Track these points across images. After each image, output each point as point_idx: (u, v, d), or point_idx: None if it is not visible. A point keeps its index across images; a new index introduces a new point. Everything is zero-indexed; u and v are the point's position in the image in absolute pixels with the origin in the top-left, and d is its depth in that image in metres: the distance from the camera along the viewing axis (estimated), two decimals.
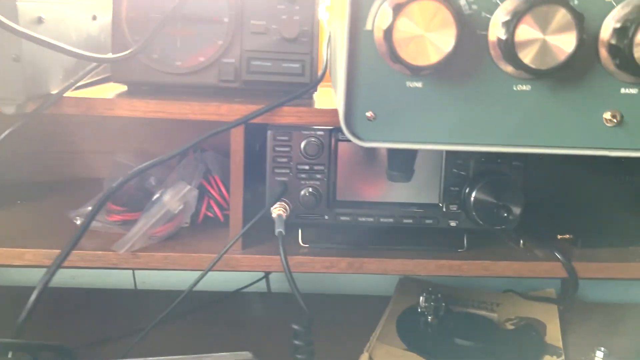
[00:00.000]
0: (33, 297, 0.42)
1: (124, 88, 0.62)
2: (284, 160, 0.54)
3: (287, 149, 0.54)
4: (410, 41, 0.37)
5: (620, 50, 0.37)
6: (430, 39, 0.37)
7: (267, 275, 0.94)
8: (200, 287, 0.97)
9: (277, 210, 0.52)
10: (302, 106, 0.56)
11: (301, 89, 0.57)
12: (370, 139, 0.42)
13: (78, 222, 0.64)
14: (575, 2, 0.39)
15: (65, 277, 0.96)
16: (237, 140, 0.54)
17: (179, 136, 0.81)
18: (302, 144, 0.54)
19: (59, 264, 0.45)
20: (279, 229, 0.49)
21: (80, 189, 0.73)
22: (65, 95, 0.54)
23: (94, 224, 0.64)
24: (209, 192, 0.66)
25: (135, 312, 0.74)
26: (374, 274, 0.60)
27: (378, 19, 0.39)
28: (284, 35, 0.57)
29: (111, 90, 0.60)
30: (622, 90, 0.40)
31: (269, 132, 0.54)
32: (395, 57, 0.37)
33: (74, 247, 0.48)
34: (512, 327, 0.79)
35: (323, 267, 0.59)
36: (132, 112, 0.55)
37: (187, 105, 0.55)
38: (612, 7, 0.39)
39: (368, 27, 0.40)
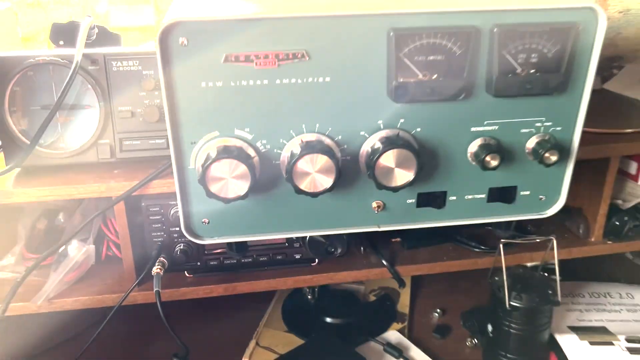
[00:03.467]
0: None
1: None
2: (158, 225, 0.70)
3: (159, 216, 0.70)
4: (220, 183, 0.53)
5: (370, 166, 0.54)
6: (231, 182, 0.53)
7: None
8: None
9: (155, 269, 0.68)
10: (170, 175, 0.71)
11: (167, 161, 0.71)
12: (208, 237, 0.58)
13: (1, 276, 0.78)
14: (339, 137, 0.55)
15: None
16: (120, 220, 0.69)
17: None
18: (172, 211, 0.69)
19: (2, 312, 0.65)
20: (156, 288, 0.66)
21: None
22: None
23: (13, 274, 0.79)
24: (107, 236, 0.81)
25: None
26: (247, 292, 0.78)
27: (198, 160, 0.54)
28: (147, 119, 0.70)
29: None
30: (379, 192, 0.58)
31: (143, 205, 0.69)
32: (209, 192, 0.53)
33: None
34: (374, 298, 1.00)
35: (204, 293, 0.77)
36: (27, 197, 0.68)
37: (73, 188, 0.69)
38: (366, 138, 0.55)
39: (191, 165, 0.55)
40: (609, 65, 0.84)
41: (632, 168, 0.91)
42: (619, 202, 0.88)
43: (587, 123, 0.80)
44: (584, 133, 0.79)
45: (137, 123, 0.71)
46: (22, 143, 0.70)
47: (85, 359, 0.78)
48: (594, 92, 0.91)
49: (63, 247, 0.78)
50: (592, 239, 0.85)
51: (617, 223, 0.83)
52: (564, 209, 0.88)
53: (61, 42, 0.81)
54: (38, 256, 0.80)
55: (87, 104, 0.71)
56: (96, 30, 0.79)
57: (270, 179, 0.56)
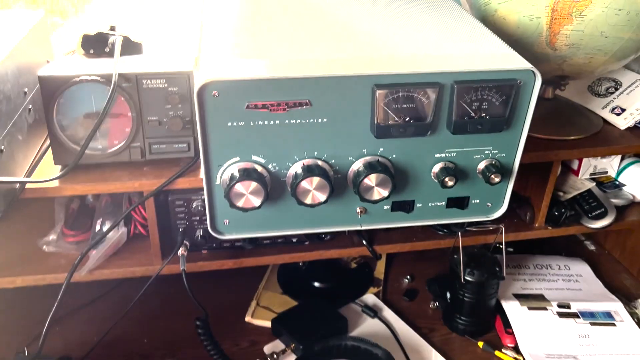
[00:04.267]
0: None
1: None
2: (182, 215, 0.87)
3: (183, 208, 0.86)
4: (241, 198, 0.69)
5: (355, 185, 0.71)
6: (249, 197, 0.69)
7: None
8: None
9: (181, 250, 0.85)
10: (191, 173, 0.86)
11: (189, 162, 0.87)
12: (228, 233, 0.76)
13: (45, 249, 0.94)
14: (333, 161, 0.71)
15: None
16: (150, 212, 0.85)
17: None
18: (193, 204, 0.86)
19: (68, 281, 0.83)
20: (182, 267, 0.83)
21: (33, 215, 1.01)
22: (26, 187, 0.82)
23: (56, 249, 0.95)
24: (133, 217, 0.97)
25: None
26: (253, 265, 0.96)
27: (223, 178, 0.70)
28: (172, 128, 0.85)
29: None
30: (362, 202, 0.75)
31: (170, 199, 0.86)
32: (232, 204, 0.69)
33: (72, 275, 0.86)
34: (355, 265, 1.19)
35: (217, 266, 0.95)
36: (74, 192, 0.84)
37: (112, 184, 0.85)
38: (353, 162, 0.72)
39: (217, 182, 0.71)
40: (557, 81, 1.00)
41: (574, 164, 1.10)
42: (560, 194, 1.06)
43: (537, 130, 0.98)
44: (534, 139, 0.96)
45: (163, 130, 0.86)
46: (68, 145, 0.85)
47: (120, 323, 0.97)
48: (548, 100, 1.08)
49: (99, 226, 0.94)
50: (536, 225, 1.04)
51: (556, 213, 1.01)
52: (516, 199, 1.07)
53: (91, 51, 0.95)
54: (75, 232, 0.97)
55: (122, 113, 0.85)
56: (121, 38, 0.92)
57: (278, 191, 0.73)
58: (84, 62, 0.90)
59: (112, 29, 0.97)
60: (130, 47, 0.96)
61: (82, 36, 0.95)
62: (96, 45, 0.94)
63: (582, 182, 1.08)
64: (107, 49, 0.94)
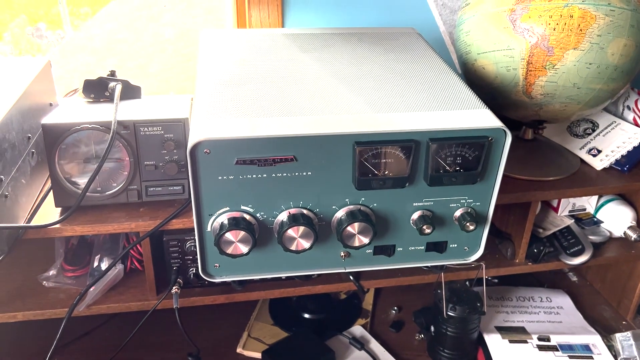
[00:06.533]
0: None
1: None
2: (176, 254, 0.92)
3: (177, 247, 0.91)
4: (230, 245, 0.74)
5: (338, 232, 0.76)
6: (238, 244, 0.74)
7: None
8: None
9: (174, 289, 0.90)
10: (185, 214, 0.92)
11: (183, 203, 0.92)
12: (218, 276, 0.81)
13: (45, 284, 0.99)
14: (317, 210, 0.77)
15: None
16: (146, 251, 0.90)
17: None
18: (187, 244, 0.91)
19: (68, 318, 0.84)
20: (175, 305, 0.88)
21: (34, 250, 1.06)
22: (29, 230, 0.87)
23: (56, 284, 1.00)
24: (130, 253, 1.02)
25: None
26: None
27: (213, 226, 0.75)
28: (167, 172, 0.90)
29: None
30: (345, 248, 0.80)
31: (165, 239, 0.91)
32: (222, 252, 0.74)
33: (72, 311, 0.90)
34: (344, 296, 1.24)
35: (209, 301, 1.00)
36: (74, 233, 0.89)
37: (109, 226, 0.90)
38: (336, 211, 0.77)
39: (208, 229, 0.76)
40: (535, 125, 1.06)
41: (554, 201, 1.15)
42: (540, 230, 1.11)
43: (517, 171, 1.03)
44: (513, 179, 1.02)
45: (159, 174, 0.92)
46: (68, 189, 0.90)
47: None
48: (527, 141, 1.13)
49: (97, 262, 0.99)
50: (517, 261, 1.09)
51: (535, 250, 1.06)
52: (498, 235, 1.12)
53: (92, 96, 1.00)
54: (74, 267, 1.02)
55: (120, 158, 0.91)
56: (121, 85, 0.98)
57: (266, 238, 0.79)
58: (85, 107, 0.95)
59: (112, 74, 1.02)
60: (130, 91, 1.01)
61: (84, 81, 1.00)
62: (97, 90, 0.99)
63: (561, 218, 1.14)
64: (107, 94, 1.00)
